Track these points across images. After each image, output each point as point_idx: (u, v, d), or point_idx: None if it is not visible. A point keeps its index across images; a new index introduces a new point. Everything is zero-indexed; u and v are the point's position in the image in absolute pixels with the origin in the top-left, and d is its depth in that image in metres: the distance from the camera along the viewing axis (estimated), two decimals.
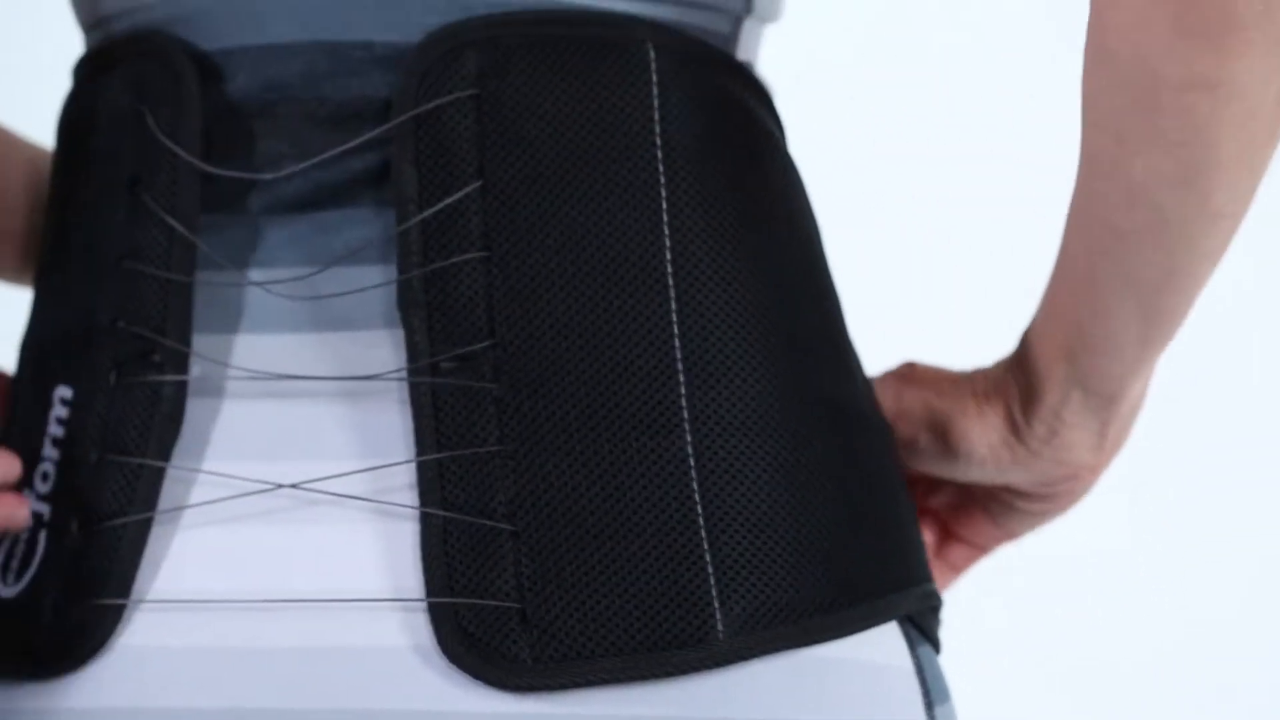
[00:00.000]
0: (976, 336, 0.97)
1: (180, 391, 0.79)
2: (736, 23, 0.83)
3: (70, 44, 0.92)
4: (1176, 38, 0.71)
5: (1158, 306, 0.82)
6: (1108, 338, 0.83)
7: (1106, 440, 0.88)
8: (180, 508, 0.79)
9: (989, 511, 0.96)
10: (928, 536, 0.97)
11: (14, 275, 0.95)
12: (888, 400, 0.90)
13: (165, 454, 0.79)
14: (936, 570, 0.98)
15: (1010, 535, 0.97)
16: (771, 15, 0.86)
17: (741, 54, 0.84)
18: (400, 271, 0.77)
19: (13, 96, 1.11)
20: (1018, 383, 0.88)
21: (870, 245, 1.12)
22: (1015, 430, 0.88)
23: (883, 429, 0.85)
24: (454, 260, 0.77)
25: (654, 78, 0.78)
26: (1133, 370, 0.85)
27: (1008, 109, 1.74)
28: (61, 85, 0.90)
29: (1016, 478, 0.90)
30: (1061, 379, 0.85)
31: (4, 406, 0.92)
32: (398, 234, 0.77)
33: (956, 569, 0.99)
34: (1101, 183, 0.78)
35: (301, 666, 0.76)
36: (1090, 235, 0.80)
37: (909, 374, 0.92)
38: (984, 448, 0.89)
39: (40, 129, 0.97)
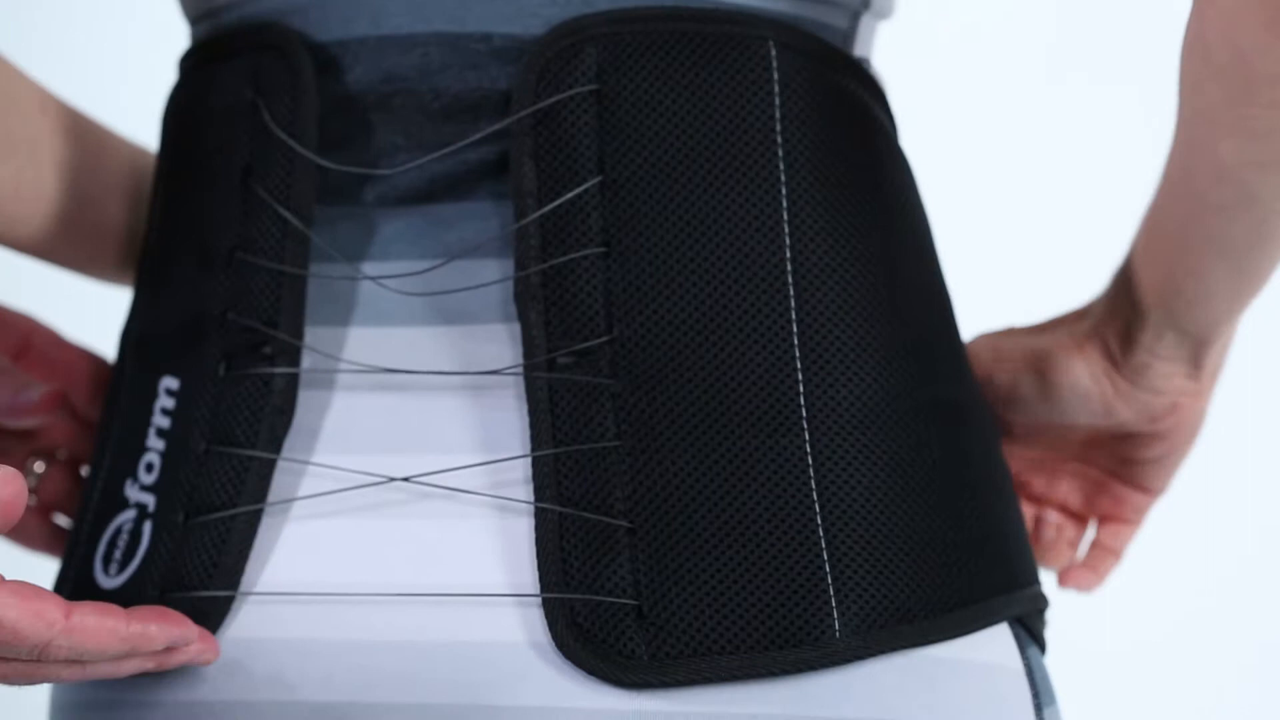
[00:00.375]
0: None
1: (292, 384, 0.79)
2: (854, 18, 0.83)
3: (167, 41, 0.92)
4: (1269, 34, 0.72)
5: (1249, 265, 0.84)
6: (1199, 291, 0.85)
7: (1202, 371, 0.90)
8: (290, 500, 0.78)
9: (1119, 476, 0.96)
10: (1065, 529, 0.98)
11: (112, 274, 0.95)
12: (982, 351, 0.92)
13: (276, 446, 0.78)
14: (1094, 559, 0.98)
15: (1149, 491, 0.97)
16: (886, 11, 0.85)
17: (858, 50, 0.84)
18: (518, 266, 0.77)
19: (109, 96, 1.11)
20: (1114, 321, 0.89)
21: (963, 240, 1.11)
22: (1113, 363, 0.90)
23: (992, 428, 0.85)
24: (573, 256, 0.77)
25: (775, 75, 0.78)
26: (1225, 317, 0.87)
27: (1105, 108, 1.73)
28: (159, 83, 0.90)
29: (1121, 414, 0.91)
30: (1155, 321, 0.87)
31: (103, 395, 0.92)
32: (516, 229, 0.77)
33: (1116, 551, 0.99)
34: (1192, 159, 0.80)
35: (414, 661, 0.75)
36: (1181, 205, 0.83)
37: (1005, 329, 0.93)
38: (1087, 378, 0.90)
39: (135, 127, 0.97)
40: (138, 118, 1.02)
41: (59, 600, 0.70)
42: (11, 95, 0.86)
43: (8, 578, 0.70)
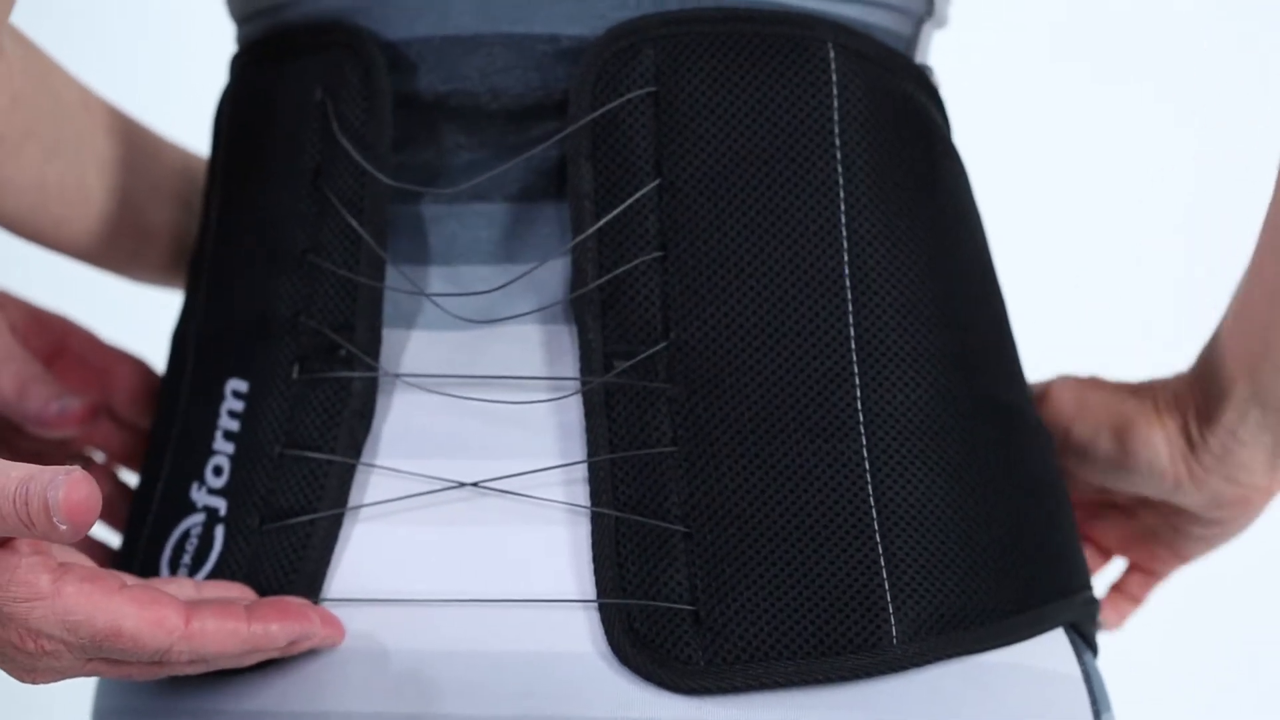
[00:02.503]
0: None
1: (370, 388, 0.78)
2: (917, 24, 0.83)
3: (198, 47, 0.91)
4: None
5: None
6: None
7: (1279, 461, 0.87)
8: (362, 505, 0.77)
9: (1160, 537, 0.95)
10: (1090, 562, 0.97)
11: (154, 275, 0.94)
12: (1067, 399, 0.90)
13: (356, 451, 0.78)
14: (1116, 602, 0.98)
15: (1182, 559, 0.96)
16: (944, 20, 0.85)
17: (918, 56, 0.84)
18: (575, 270, 0.77)
19: (144, 99, 1.10)
20: (1195, 398, 0.87)
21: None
22: (1191, 445, 0.87)
23: (1045, 433, 0.85)
24: (630, 265, 0.76)
25: (834, 78, 0.78)
26: None
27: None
28: (192, 86, 0.89)
29: (1188, 498, 0.89)
30: (1242, 396, 0.84)
31: (144, 397, 0.91)
32: (573, 234, 0.77)
33: (1137, 599, 0.99)
34: None
35: (480, 671, 0.75)
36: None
37: (1092, 379, 0.91)
38: (1166, 457, 0.88)
39: (177, 131, 0.97)
40: (172, 119, 1.01)
41: (179, 606, 0.69)
42: (56, 94, 0.86)
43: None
